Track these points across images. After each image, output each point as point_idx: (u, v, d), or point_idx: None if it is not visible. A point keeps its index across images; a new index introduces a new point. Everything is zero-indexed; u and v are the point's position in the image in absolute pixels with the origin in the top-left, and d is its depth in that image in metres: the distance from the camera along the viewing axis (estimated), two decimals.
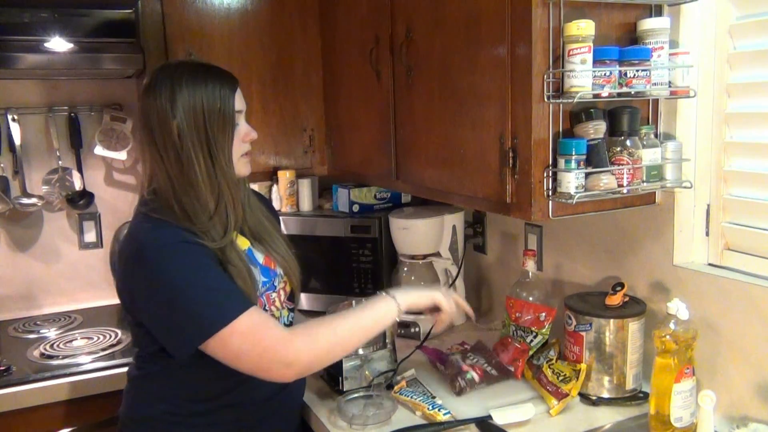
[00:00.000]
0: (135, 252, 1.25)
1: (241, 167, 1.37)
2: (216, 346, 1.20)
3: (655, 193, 1.45)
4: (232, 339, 1.19)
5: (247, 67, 2.10)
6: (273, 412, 1.43)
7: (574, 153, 1.26)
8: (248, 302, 1.23)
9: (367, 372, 1.58)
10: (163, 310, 1.23)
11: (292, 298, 1.50)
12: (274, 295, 1.43)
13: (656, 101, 1.42)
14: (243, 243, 1.40)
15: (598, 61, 1.25)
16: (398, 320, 1.34)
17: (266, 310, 1.40)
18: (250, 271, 1.32)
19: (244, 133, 1.36)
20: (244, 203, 1.41)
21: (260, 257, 1.42)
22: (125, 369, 1.47)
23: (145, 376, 1.39)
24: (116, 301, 1.45)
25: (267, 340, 1.21)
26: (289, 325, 1.48)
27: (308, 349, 1.24)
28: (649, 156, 1.34)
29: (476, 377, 1.55)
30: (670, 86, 1.34)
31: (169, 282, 1.21)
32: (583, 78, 1.23)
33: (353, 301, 1.59)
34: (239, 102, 1.35)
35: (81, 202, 2.30)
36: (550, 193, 1.30)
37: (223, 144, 1.30)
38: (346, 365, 1.55)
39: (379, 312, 1.33)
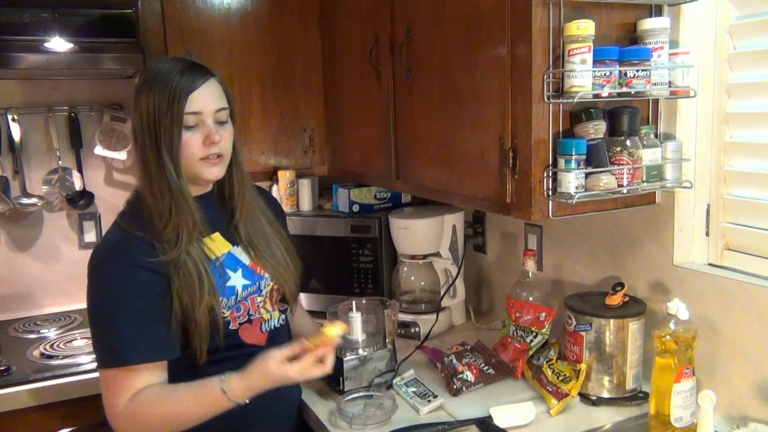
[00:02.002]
0: (91, 258, 1.29)
1: (202, 171, 1.31)
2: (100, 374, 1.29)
3: (655, 193, 1.45)
4: (101, 377, 1.29)
5: (247, 68, 2.10)
6: (265, 417, 1.43)
7: (574, 153, 1.26)
8: (130, 359, 1.24)
9: (367, 372, 1.58)
10: (89, 324, 1.30)
11: (285, 299, 1.48)
12: (260, 298, 1.40)
13: (656, 101, 1.42)
14: (223, 246, 1.37)
15: (598, 61, 1.25)
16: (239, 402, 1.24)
17: (251, 314, 1.39)
18: (202, 283, 1.28)
19: (204, 136, 1.29)
20: (239, 210, 1.41)
21: (246, 259, 1.40)
22: None
23: None
24: None
25: (106, 402, 1.28)
26: (280, 328, 1.46)
27: (126, 412, 1.25)
28: (649, 156, 1.34)
29: (471, 377, 1.55)
30: (670, 86, 1.34)
31: (93, 302, 1.27)
32: (583, 78, 1.23)
33: (353, 302, 1.60)
34: (198, 103, 1.27)
35: (81, 202, 2.30)
36: (550, 193, 1.30)
37: (170, 147, 1.26)
38: (347, 366, 1.55)
39: (209, 408, 1.26)
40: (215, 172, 1.34)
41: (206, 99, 1.29)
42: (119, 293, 1.24)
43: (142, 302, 1.25)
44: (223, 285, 1.33)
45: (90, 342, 1.98)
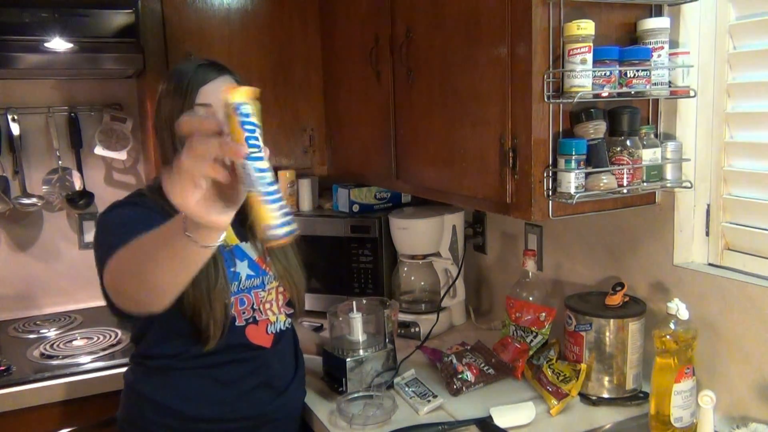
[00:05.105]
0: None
1: None
2: None
3: (655, 193, 1.45)
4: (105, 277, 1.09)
5: (247, 68, 2.10)
6: (271, 420, 1.43)
7: (574, 153, 1.26)
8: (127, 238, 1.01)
9: (367, 372, 1.58)
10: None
11: (291, 303, 1.49)
12: (263, 294, 1.41)
13: (656, 101, 1.42)
14: (231, 239, 1.39)
15: (598, 61, 1.25)
16: (187, 231, 0.83)
17: (255, 311, 1.39)
18: (216, 265, 1.28)
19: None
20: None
21: (253, 255, 1.42)
22: (125, 369, 1.48)
23: (140, 380, 1.39)
24: None
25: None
26: (285, 331, 1.47)
27: (106, 273, 1.06)
28: (649, 156, 1.34)
29: (471, 377, 1.55)
30: (670, 86, 1.34)
31: (101, 227, 1.27)
32: (583, 78, 1.23)
33: (353, 302, 1.60)
34: (208, 95, 1.32)
35: (81, 202, 2.30)
36: (550, 193, 1.30)
37: (183, 139, 1.29)
38: (347, 366, 1.55)
39: (166, 235, 0.89)
40: None
41: (217, 92, 1.32)
42: (127, 214, 1.26)
43: (149, 221, 1.22)
44: (228, 270, 1.35)
45: (90, 342, 2.00)
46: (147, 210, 1.27)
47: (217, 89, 1.33)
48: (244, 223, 1.42)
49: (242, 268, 1.38)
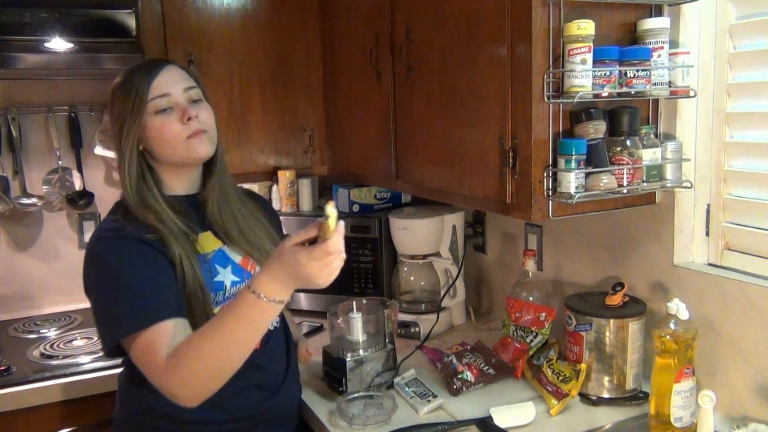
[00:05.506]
0: (90, 241, 1.31)
1: (190, 149, 1.31)
2: (128, 349, 1.20)
3: (655, 193, 1.45)
4: (131, 349, 1.18)
5: (247, 67, 2.10)
6: (266, 419, 1.42)
7: (574, 153, 1.26)
8: (157, 315, 1.17)
9: (367, 372, 1.58)
10: (92, 302, 1.26)
11: None
12: None
13: (656, 101, 1.42)
14: (213, 244, 1.37)
15: (598, 61, 1.25)
16: (268, 300, 1.08)
17: None
18: (187, 279, 1.27)
19: (180, 114, 1.29)
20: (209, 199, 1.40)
21: (237, 257, 1.39)
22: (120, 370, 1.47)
23: (133, 380, 1.38)
24: None
25: (147, 369, 1.17)
26: (274, 330, 1.44)
27: (181, 384, 1.14)
28: (649, 156, 1.34)
29: (471, 377, 1.55)
30: (670, 86, 1.34)
31: (102, 276, 1.24)
32: (583, 78, 1.23)
33: (353, 302, 1.60)
34: (163, 86, 1.29)
35: (81, 202, 2.30)
36: (550, 193, 1.30)
37: (137, 141, 1.29)
38: (347, 366, 1.55)
39: (247, 317, 1.11)
40: (204, 149, 1.33)
41: (170, 81, 1.31)
42: (130, 261, 1.24)
43: (153, 268, 1.24)
44: (210, 280, 1.32)
45: (90, 342, 2.00)
46: (135, 242, 1.25)
47: (168, 78, 1.31)
48: (222, 221, 1.40)
49: (225, 276, 1.35)
